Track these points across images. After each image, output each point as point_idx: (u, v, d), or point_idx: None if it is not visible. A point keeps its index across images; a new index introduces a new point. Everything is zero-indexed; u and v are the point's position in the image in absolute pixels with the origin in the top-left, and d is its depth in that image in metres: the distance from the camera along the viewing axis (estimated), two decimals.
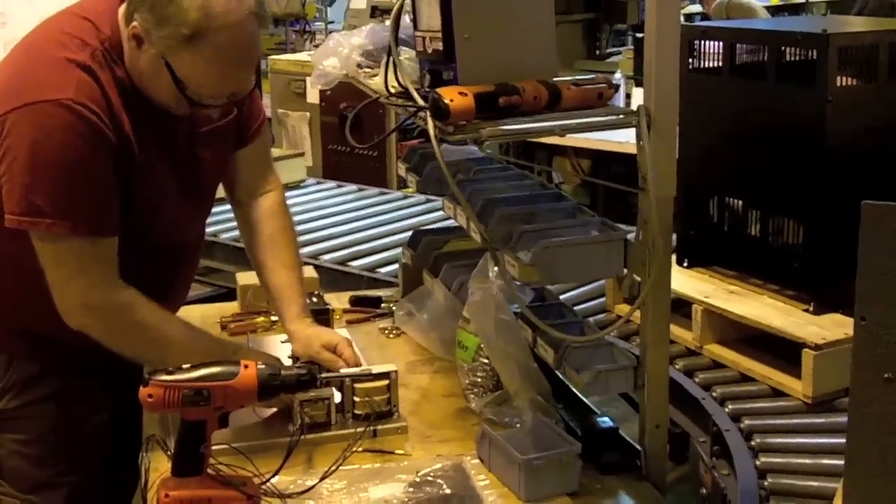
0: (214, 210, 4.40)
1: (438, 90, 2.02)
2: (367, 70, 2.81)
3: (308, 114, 7.20)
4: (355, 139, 2.70)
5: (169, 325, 2.28)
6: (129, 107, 2.17)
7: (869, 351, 1.45)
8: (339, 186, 5.21)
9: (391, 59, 2.30)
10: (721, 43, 2.87)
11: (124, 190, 2.19)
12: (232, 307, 3.02)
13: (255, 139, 2.55)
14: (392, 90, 2.35)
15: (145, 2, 2.08)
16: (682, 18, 7.32)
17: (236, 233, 4.18)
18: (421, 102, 2.12)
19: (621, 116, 2.14)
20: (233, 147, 2.50)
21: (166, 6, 2.05)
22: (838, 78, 2.58)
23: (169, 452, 2.02)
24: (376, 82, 2.53)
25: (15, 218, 2.11)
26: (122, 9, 2.17)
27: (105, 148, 2.12)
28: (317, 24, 11.38)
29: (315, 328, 2.48)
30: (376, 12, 7.87)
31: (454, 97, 2.00)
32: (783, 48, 2.71)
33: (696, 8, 9.83)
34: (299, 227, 4.32)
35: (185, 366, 1.96)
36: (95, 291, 2.18)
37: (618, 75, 5.78)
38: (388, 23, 2.47)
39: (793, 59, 2.70)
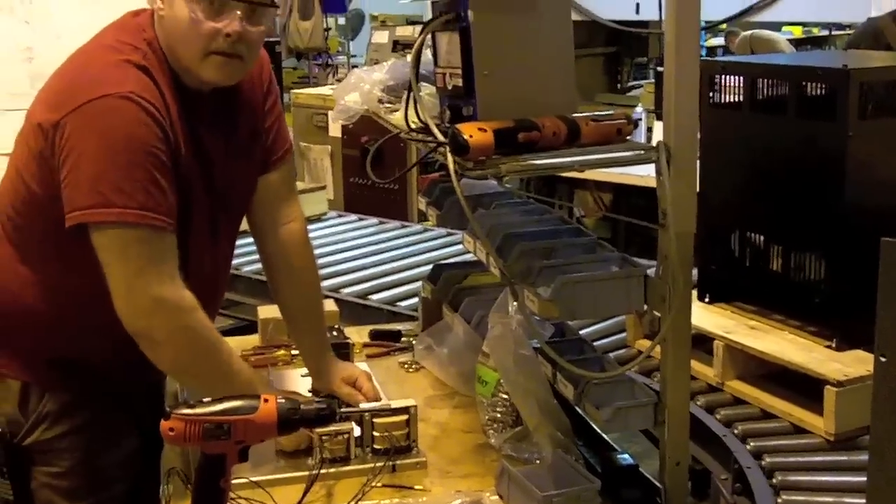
0: (237, 243, 4.42)
1: (458, 126, 2.03)
2: (388, 105, 2.83)
3: (330, 147, 7.24)
4: (376, 172, 2.72)
5: (223, 344, 2.26)
6: (180, 115, 2.20)
7: (889, 388, 1.44)
8: (360, 219, 5.23)
9: (412, 95, 2.31)
10: (742, 78, 2.87)
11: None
12: (253, 340, 3.04)
13: (280, 166, 2.55)
14: (412, 125, 2.36)
15: None
16: (703, 52, 7.34)
17: (258, 265, 4.20)
18: (441, 138, 2.13)
19: (641, 152, 2.14)
20: (258, 171, 2.51)
21: None
22: (859, 113, 2.57)
23: (189, 486, 2.02)
24: (397, 117, 2.55)
25: (83, 212, 2.09)
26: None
27: (167, 142, 2.14)
28: (339, 58, 11.46)
29: (335, 362, 2.48)
30: (398, 46, 7.93)
31: (474, 133, 2.00)
32: (804, 83, 2.71)
33: (718, 41, 9.85)
34: (320, 261, 4.33)
35: (205, 399, 1.96)
36: (166, 286, 2.14)
37: (639, 109, 5.80)
38: (408, 58, 2.48)
39: (814, 94, 2.70)
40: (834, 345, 2.61)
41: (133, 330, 2.14)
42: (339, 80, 9.50)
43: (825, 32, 9.38)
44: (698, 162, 2.16)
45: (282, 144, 2.54)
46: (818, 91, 2.68)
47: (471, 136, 1.99)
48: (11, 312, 2.33)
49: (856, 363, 2.51)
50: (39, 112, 2.20)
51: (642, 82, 6.93)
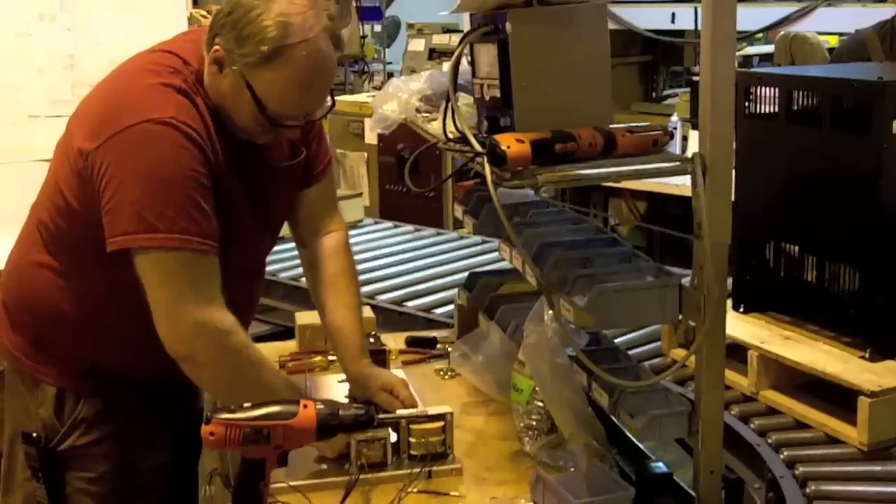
0: (274, 249, 4.47)
1: (496, 137, 2.05)
2: (426, 115, 2.85)
3: (366, 154, 7.27)
4: (412, 179, 2.75)
5: (265, 363, 2.29)
6: (219, 134, 2.23)
7: None
8: (396, 226, 5.25)
9: (450, 105, 2.33)
10: (777, 89, 2.88)
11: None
12: (290, 346, 3.07)
13: (322, 179, 2.60)
14: (450, 135, 2.39)
15: (226, 24, 2.14)
16: (740, 60, 7.32)
17: (295, 272, 4.27)
18: (478, 148, 2.15)
19: (677, 163, 2.16)
20: (300, 185, 2.55)
21: (246, 26, 2.11)
22: (894, 125, 2.58)
23: (229, 489, 2.05)
24: (435, 127, 2.58)
25: (127, 237, 2.11)
26: (204, 37, 2.24)
27: (208, 166, 2.16)
28: (375, 65, 11.50)
29: (373, 369, 2.51)
30: (434, 54, 7.96)
31: (511, 144, 2.03)
32: (839, 95, 2.72)
33: (754, 49, 9.83)
34: (357, 267, 4.36)
35: (245, 405, 1.99)
36: (207, 309, 2.16)
37: (674, 118, 5.80)
38: (445, 67, 2.51)
39: (849, 106, 2.71)
40: (868, 355, 2.62)
41: (175, 353, 2.16)
42: (375, 87, 9.56)
43: None
44: (733, 172, 2.17)
45: (323, 158, 2.58)
46: (853, 103, 2.70)
47: (508, 147, 2.02)
48: (48, 319, 2.37)
49: (889, 374, 2.51)
50: (79, 136, 2.21)
51: (678, 91, 6.92)
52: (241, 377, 2.24)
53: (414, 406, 2.38)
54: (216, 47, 2.16)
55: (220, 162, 2.21)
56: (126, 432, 2.42)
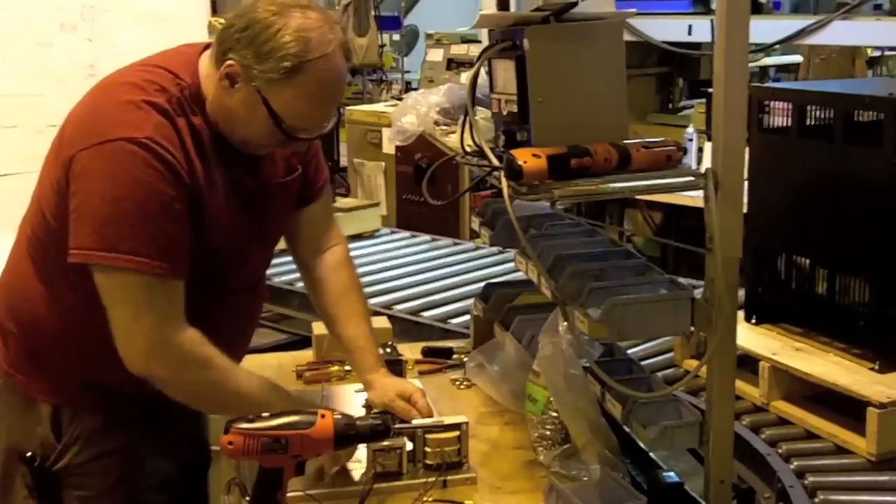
0: (290, 258, 4.50)
1: (513, 151, 2.09)
2: (444, 127, 2.88)
3: (383, 164, 7.29)
4: (429, 189, 2.77)
5: (232, 371, 2.25)
6: (203, 153, 2.20)
7: None
8: (413, 236, 5.28)
9: (468, 119, 2.37)
10: (791, 104, 2.92)
11: (196, 231, 2.19)
12: (307, 356, 3.09)
13: (320, 197, 2.59)
14: (468, 149, 2.42)
15: (242, 40, 2.12)
16: (757, 70, 7.29)
17: None
18: (496, 162, 2.19)
19: (690, 178, 2.19)
20: (299, 202, 2.54)
21: (266, 42, 2.10)
22: None
23: (246, 498, 2.08)
24: (453, 140, 2.62)
25: (86, 252, 2.10)
26: (208, 53, 2.23)
27: (181, 188, 2.13)
28: (393, 74, 11.54)
29: (390, 378, 2.53)
30: (452, 64, 7.98)
31: (528, 159, 2.07)
32: (852, 110, 2.75)
33: (771, 60, 9.83)
34: (373, 277, 4.43)
35: (264, 414, 2.02)
36: (165, 329, 2.14)
37: (690, 129, 5.82)
38: (463, 78, 2.55)
39: (861, 121, 2.74)
40: (877, 367, 2.65)
41: (136, 373, 2.16)
42: (393, 97, 9.60)
43: (877, 53, 9.34)
44: (747, 185, 2.20)
45: (321, 175, 2.58)
46: (865, 118, 2.73)
47: (525, 162, 2.06)
48: (38, 334, 2.33)
49: None
50: (61, 144, 2.20)
51: (693, 102, 6.93)
52: (208, 389, 2.23)
53: (430, 415, 2.41)
54: (230, 62, 2.14)
55: (199, 182, 2.18)
56: (125, 449, 2.36)
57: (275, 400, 2.24)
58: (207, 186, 2.20)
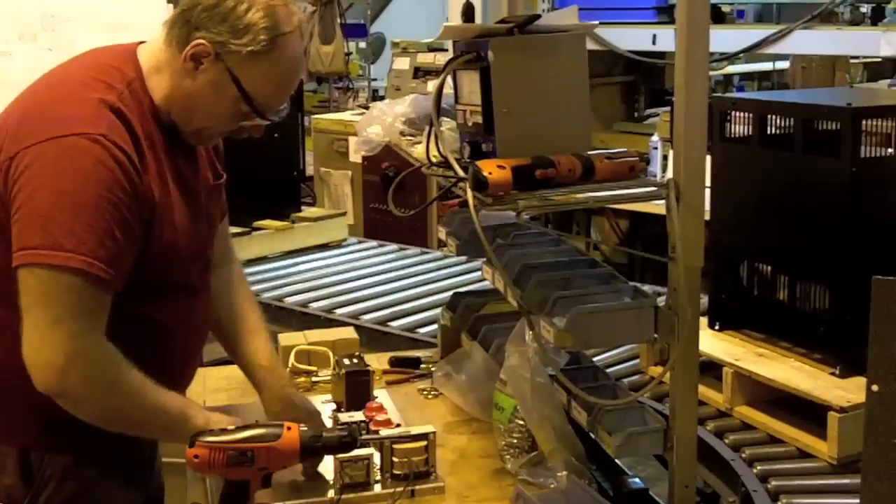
0: (256, 269, 4.48)
1: (478, 163, 2.12)
2: (410, 138, 2.89)
3: (350, 173, 7.30)
4: (396, 199, 2.78)
5: (148, 388, 2.10)
6: (155, 149, 2.13)
7: (881, 418, 1.53)
8: (381, 245, 5.29)
9: (433, 130, 2.39)
10: (752, 114, 2.96)
11: (153, 230, 2.11)
12: None
13: (226, 214, 2.54)
14: (433, 159, 2.45)
15: (213, 17, 2.07)
16: (721, 79, 7.34)
17: (278, 292, 4.33)
18: (461, 173, 2.21)
19: (652, 189, 2.24)
20: (223, 212, 2.50)
21: (241, 18, 2.06)
22: (863, 149, 2.66)
23: None
24: (419, 150, 2.63)
25: (29, 252, 1.96)
26: (150, 44, 2.19)
27: (133, 196, 2.03)
28: (360, 82, 11.56)
29: (289, 392, 2.47)
30: (419, 73, 8.00)
31: (493, 170, 2.10)
32: (811, 120, 2.80)
33: (734, 69, 9.92)
34: (340, 287, 4.45)
35: (230, 427, 2.03)
36: (84, 339, 2.00)
37: (655, 137, 5.87)
38: (430, 86, 2.57)
39: (820, 130, 2.79)
40: (838, 372, 2.69)
41: (45, 388, 2.00)
42: (359, 105, 9.61)
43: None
44: (709, 192, 2.24)
45: (224, 194, 2.51)
46: (824, 128, 2.78)
47: (490, 174, 2.09)
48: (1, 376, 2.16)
49: (858, 390, 2.57)
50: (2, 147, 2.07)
51: (659, 110, 7.00)
52: (121, 408, 2.09)
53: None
54: (198, 42, 2.07)
55: (155, 178, 2.11)
56: (97, 484, 2.24)
57: (192, 415, 2.15)
58: (161, 184, 2.13)
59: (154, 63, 2.16)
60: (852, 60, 8.04)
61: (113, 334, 2.05)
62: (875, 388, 1.53)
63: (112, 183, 2.00)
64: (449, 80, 2.42)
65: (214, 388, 2.94)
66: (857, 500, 2.33)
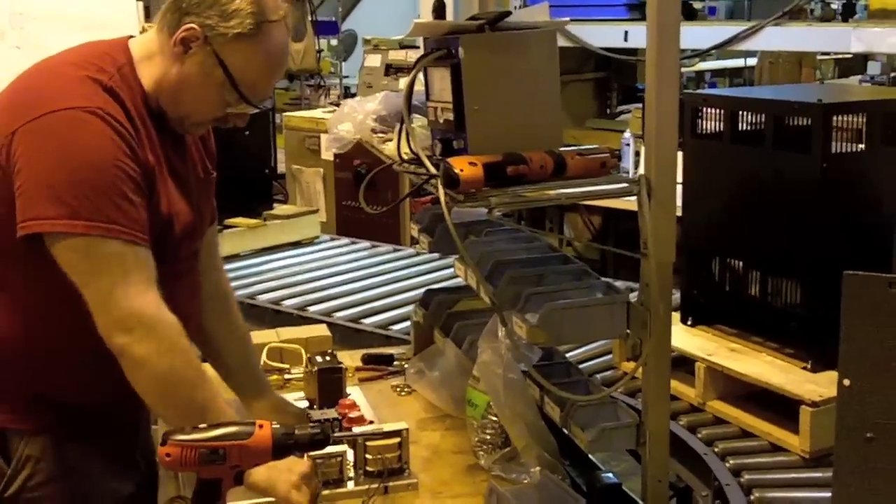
0: (228, 267, 4.45)
1: (449, 160, 2.12)
2: (381, 135, 2.89)
3: (322, 170, 7.29)
4: (368, 196, 2.78)
5: (205, 371, 2.17)
6: (148, 133, 2.15)
7: (852, 411, 1.54)
8: (353, 243, 5.28)
9: (404, 127, 2.39)
10: (723, 110, 2.97)
11: (150, 207, 2.11)
12: None
13: (215, 220, 2.55)
14: (405, 157, 2.44)
15: (204, 2, 2.11)
16: (693, 75, 7.37)
17: (250, 290, 4.31)
18: (433, 170, 2.21)
19: (624, 185, 2.24)
20: (212, 210, 2.49)
21: (231, 2, 2.10)
22: (833, 145, 2.68)
23: None
24: (390, 148, 2.63)
25: (47, 221, 1.98)
26: (142, 35, 2.23)
27: (135, 158, 2.06)
28: (331, 79, 11.53)
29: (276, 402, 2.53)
30: (391, 70, 7.99)
31: (464, 167, 2.09)
32: (781, 116, 2.81)
33: (706, 65, 9.96)
34: (313, 284, 4.44)
35: (201, 425, 2.02)
36: (146, 297, 2.03)
37: (627, 134, 5.88)
38: (401, 83, 2.56)
39: (790, 126, 2.80)
40: (810, 366, 2.71)
41: (112, 346, 2.03)
42: (331, 102, 9.59)
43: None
44: (681, 189, 2.25)
45: (213, 202, 2.51)
46: (795, 124, 2.79)
47: (461, 171, 2.08)
48: None
49: (830, 384, 2.58)
50: None
51: (631, 107, 7.02)
52: (176, 387, 2.09)
53: None
54: (189, 26, 2.11)
55: (150, 163, 2.12)
56: (78, 467, 2.23)
57: (221, 404, 2.16)
58: (156, 164, 2.14)
59: (145, 51, 2.20)
60: (824, 57, 8.10)
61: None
62: (846, 382, 1.54)
63: (116, 149, 2.03)
64: (420, 76, 2.42)
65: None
66: (829, 494, 2.36)
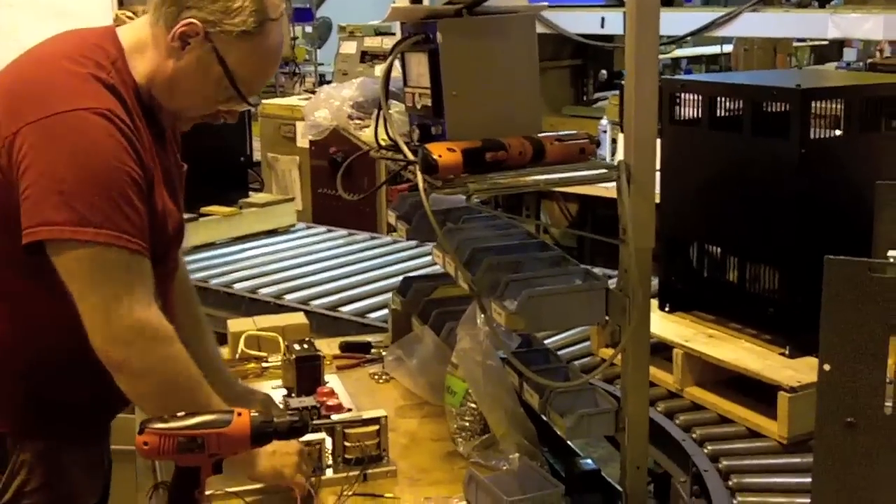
0: (203, 255, 4.46)
1: (428, 146, 2.11)
2: (358, 122, 2.87)
3: (297, 158, 7.27)
4: (344, 183, 2.77)
5: (200, 373, 2.13)
6: (145, 129, 2.12)
7: (832, 397, 1.54)
8: (329, 231, 5.26)
9: (381, 113, 2.38)
10: (701, 96, 2.97)
11: (150, 210, 2.10)
12: (223, 353, 3.05)
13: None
14: (382, 143, 2.43)
15: None
16: (669, 62, 7.37)
17: (227, 278, 4.29)
18: (411, 157, 2.20)
19: (603, 171, 2.23)
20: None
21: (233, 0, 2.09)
22: (812, 130, 2.67)
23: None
24: (367, 134, 2.62)
25: (53, 228, 1.94)
26: (133, 23, 2.20)
27: (140, 163, 2.04)
28: (306, 66, 11.49)
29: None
30: (366, 57, 7.96)
31: (443, 153, 2.08)
32: (760, 102, 2.81)
33: (682, 52, 9.96)
34: (290, 273, 4.42)
35: (179, 413, 2.01)
36: (145, 311, 2.01)
37: (604, 121, 5.88)
38: (377, 70, 2.55)
39: (769, 112, 2.80)
40: (787, 352, 2.70)
41: (109, 361, 2.01)
42: (306, 90, 9.55)
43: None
44: (659, 175, 2.24)
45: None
46: (773, 109, 2.79)
47: (440, 156, 2.07)
48: None
49: (808, 370, 2.60)
50: None
51: (608, 94, 7.00)
52: (180, 391, 2.09)
53: None
54: (189, 21, 2.07)
55: (150, 167, 2.10)
56: (68, 471, 2.21)
57: (216, 401, 2.15)
58: (152, 163, 2.13)
59: (136, 43, 2.16)
60: (799, 44, 8.10)
61: None
62: (827, 367, 1.54)
63: (124, 154, 2.00)
64: (397, 62, 2.41)
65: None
66: (807, 479, 2.37)
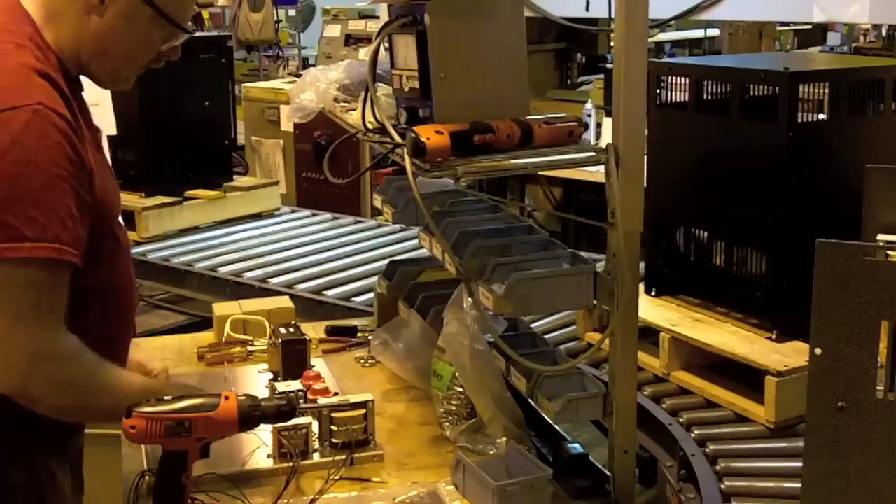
0: (188, 239, 4.45)
1: (416, 129, 2.09)
2: (345, 104, 2.86)
3: (282, 141, 7.25)
4: (331, 167, 2.75)
5: (105, 374, 2.00)
6: (77, 108, 1.96)
7: (823, 380, 1.53)
8: (314, 215, 5.26)
9: (368, 96, 2.36)
10: (688, 79, 2.96)
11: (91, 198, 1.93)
12: (208, 337, 3.06)
13: None
14: (369, 126, 2.42)
15: None
16: (653, 46, 7.38)
17: (211, 262, 4.28)
18: (398, 140, 2.19)
19: (591, 154, 2.22)
20: None
21: None
22: (799, 114, 2.67)
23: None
24: (353, 117, 2.60)
25: None
26: None
27: (78, 159, 1.87)
28: (290, 50, 11.46)
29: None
30: (350, 40, 7.93)
31: (431, 136, 2.07)
32: (747, 85, 2.80)
33: (666, 36, 9.96)
34: (274, 256, 4.42)
35: (167, 397, 1.99)
36: (47, 337, 1.86)
37: (588, 105, 5.87)
38: (362, 53, 2.53)
39: (756, 95, 2.80)
40: (774, 336, 2.71)
41: (5, 389, 1.86)
42: (290, 73, 9.52)
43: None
44: (646, 159, 2.24)
45: None
46: (760, 92, 2.78)
47: (428, 139, 2.06)
48: None
49: (795, 354, 2.61)
50: None
51: (592, 78, 6.99)
52: (83, 402, 1.98)
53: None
54: None
55: (84, 138, 1.93)
56: (58, 486, 2.08)
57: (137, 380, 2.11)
58: (90, 150, 1.96)
59: (46, 12, 1.98)
60: (783, 28, 8.12)
61: (71, 313, 1.92)
62: (818, 351, 1.53)
63: (60, 157, 1.83)
64: (384, 45, 2.39)
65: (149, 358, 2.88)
66: (794, 463, 2.38)
